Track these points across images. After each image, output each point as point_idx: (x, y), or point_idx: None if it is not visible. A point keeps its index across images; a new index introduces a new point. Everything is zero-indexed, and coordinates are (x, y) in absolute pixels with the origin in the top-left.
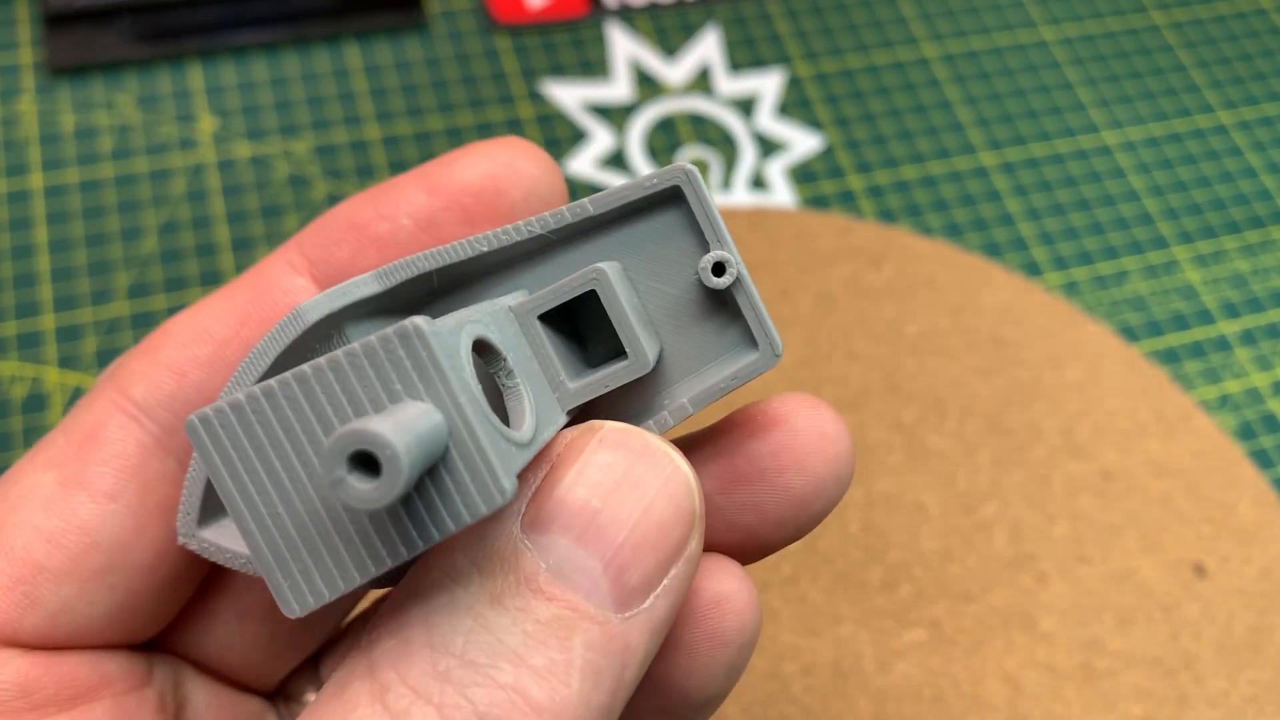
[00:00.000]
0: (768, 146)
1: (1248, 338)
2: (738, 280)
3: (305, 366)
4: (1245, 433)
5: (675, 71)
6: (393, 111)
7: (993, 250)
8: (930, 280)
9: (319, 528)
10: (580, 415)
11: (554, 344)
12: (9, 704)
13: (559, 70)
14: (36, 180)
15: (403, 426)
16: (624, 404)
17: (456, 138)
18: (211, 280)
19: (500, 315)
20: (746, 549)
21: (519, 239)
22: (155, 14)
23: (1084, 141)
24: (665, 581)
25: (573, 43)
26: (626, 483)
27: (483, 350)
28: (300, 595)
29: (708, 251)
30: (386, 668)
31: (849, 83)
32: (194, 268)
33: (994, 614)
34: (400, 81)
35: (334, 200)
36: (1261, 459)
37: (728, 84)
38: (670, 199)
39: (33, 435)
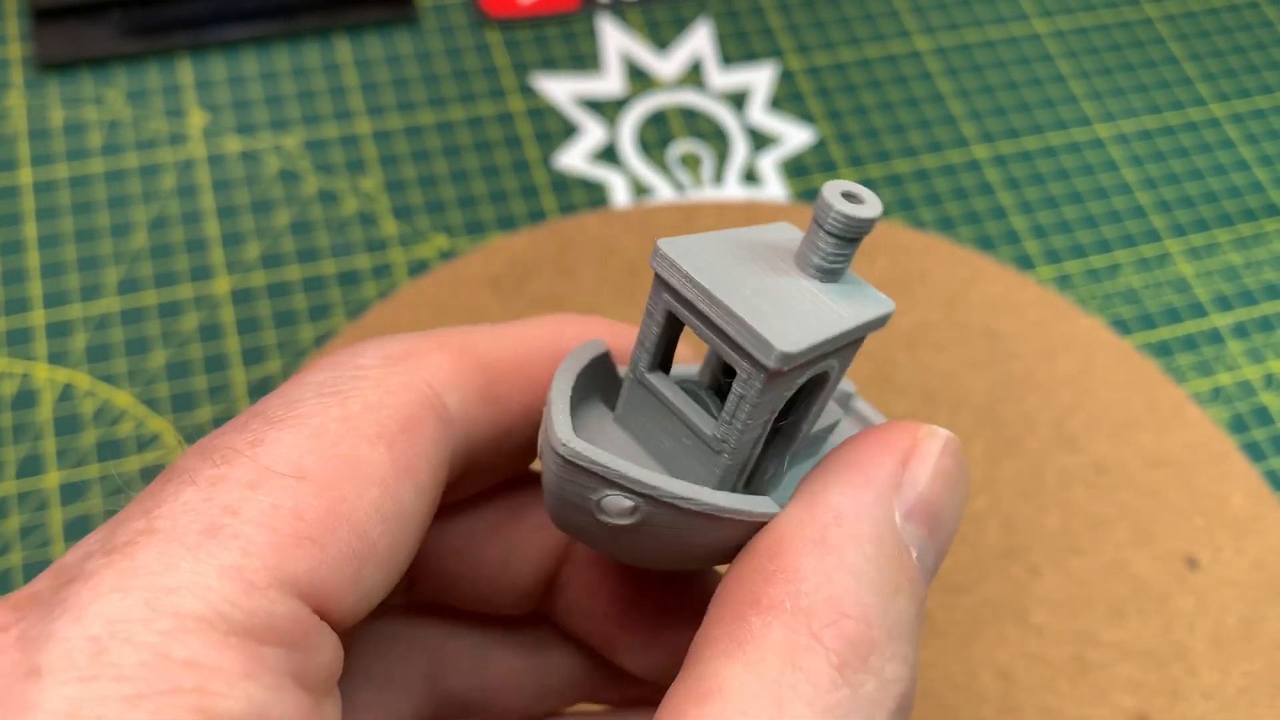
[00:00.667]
0: (760, 140)
1: (1240, 330)
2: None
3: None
4: (1237, 425)
5: (667, 65)
6: (384, 106)
7: (985, 243)
8: (923, 273)
9: (791, 305)
10: None
11: None
12: (322, 684)
13: (550, 64)
14: (25, 175)
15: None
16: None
17: (448, 132)
18: (202, 275)
19: None
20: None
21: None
22: (144, 8)
23: (1077, 134)
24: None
25: (564, 36)
26: (955, 483)
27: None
28: (788, 338)
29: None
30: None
31: (841, 76)
32: (184, 263)
33: (986, 606)
34: (391, 75)
35: (325, 195)
36: (1254, 451)
37: (720, 78)
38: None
39: (23, 431)
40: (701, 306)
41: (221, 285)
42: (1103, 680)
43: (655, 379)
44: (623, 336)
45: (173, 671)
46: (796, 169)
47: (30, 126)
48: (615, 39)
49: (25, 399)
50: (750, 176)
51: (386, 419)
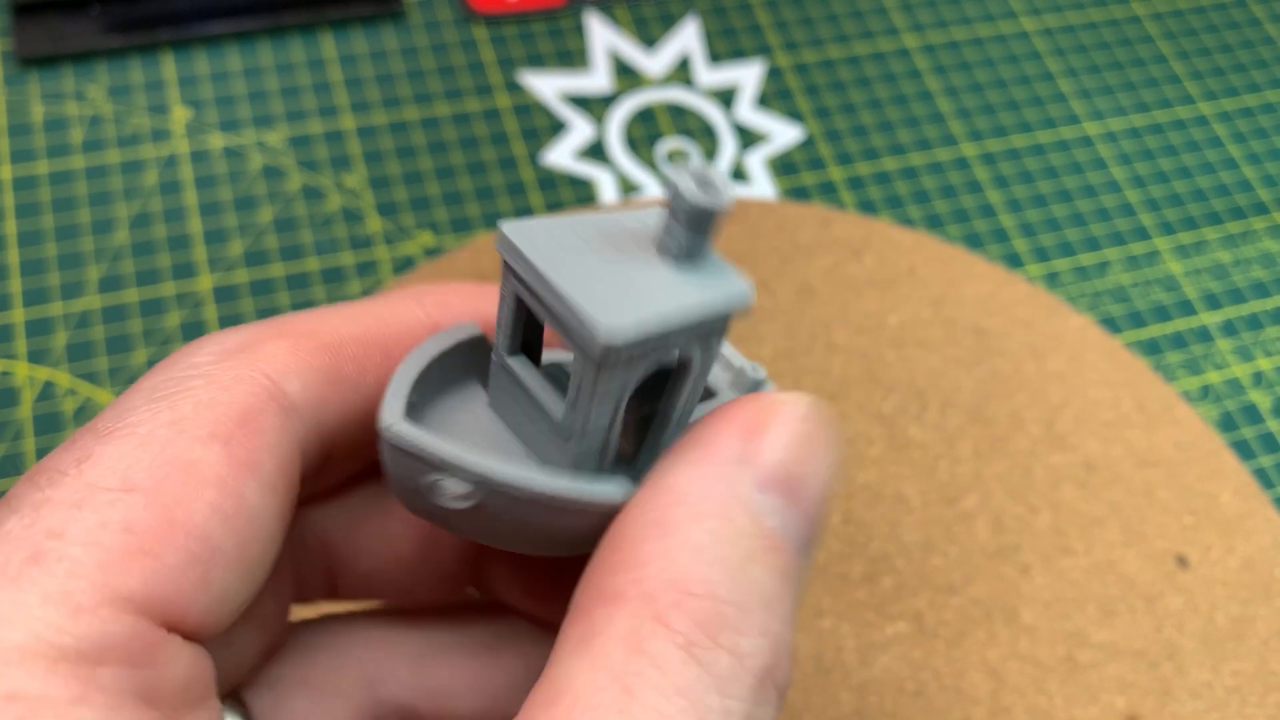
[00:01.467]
0: (748, 138)
1: (1229, 328)
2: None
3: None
4: (1226, 423)
5: (655, 62)
6: (369, 102)
7: (974, 241)
8: (911, 271)
9: (636, 290)
10: None
11: None
12: (179, 698)
13: (537, 61)
14: (5, 172)
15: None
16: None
17: (434, 128)
18: (185, 273)
19: None
20: None
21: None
22: (127, 3)
23: (1065, 132)
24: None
25: (551, 33)
26: (814, 448)
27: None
28: (620, 327)
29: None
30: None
31: (830, 73)
32: (166, 260)
33: (976, 606)
34: (376, 72)
35: (309, 192)
36: (1243, 449)
37: (708, 75)
38: None
39: (3, 430)
40: (539, 290)
41: (204, 283)
42: (1093, 680)
43: (514, 363)
44: (472, 302)
45: None
46: (785, 166)
47: (10, 122)
48: (603, 35)
49: (5, 397)
50: (738, 174)
51: (221, 416)
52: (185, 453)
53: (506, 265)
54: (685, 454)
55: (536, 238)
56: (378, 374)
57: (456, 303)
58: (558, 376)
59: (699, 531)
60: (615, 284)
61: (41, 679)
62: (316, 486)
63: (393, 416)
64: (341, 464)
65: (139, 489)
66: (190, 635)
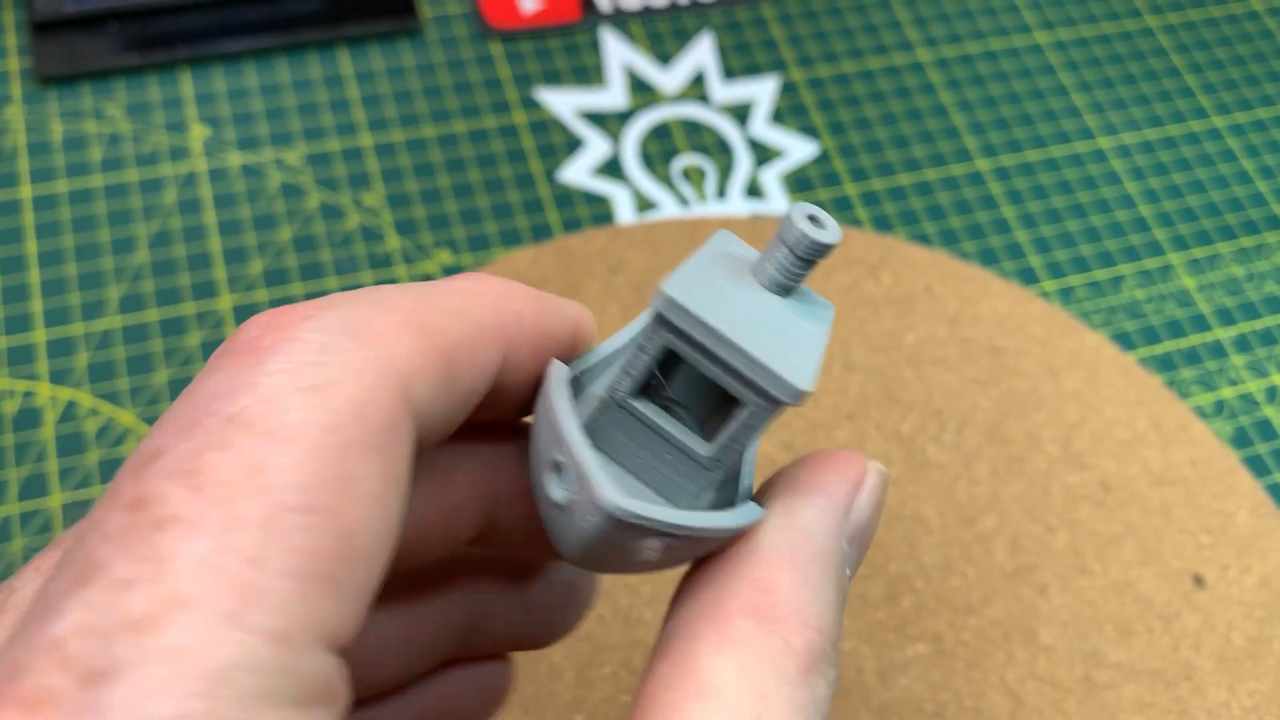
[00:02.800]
0: (763, 153)
1: (1243, 344)
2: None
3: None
4: (1241, 439)
5: (670, 78)
6: (386, 119)
7: (988, 257)
8: (928, 289)
9: (785, 330)
10: None
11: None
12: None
13: (553, 77)
14: (26, 191)
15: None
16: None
17: (452, 145)
18: (205, 292)
19: None
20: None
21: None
22: (144, 21)
23: (1079, 146)
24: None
25: (566, 49)
26: (879, 514)
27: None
28: (799, 375)
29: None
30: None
31: (844, 88)
32: (186, 279)
33: (994, 626)
34: (393, 88)
35: (328, 210)
36: (1257, 466)
37: (722, 91)
38: None
39: (26, 450)
40: (712, 347)
41: (225, 302)
42: (1111, 701)
43: (639, 404)
44: (551, 310)
45: None
46: (800, 182)
47: (30, 141)
48: (618, 51)
49: (28, 418)
50: (753, 190)
51: (372, 425)
52: (352, 468)
53: (663, 321)
54: (811, 497)
55: (698, 294)
56: (472, 384)
57: (530, 305)
58: (670, 410)
59: (819, 573)
60: (772, 330)
61: None
62: None
63: (616, 495)
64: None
65: (320, 510)
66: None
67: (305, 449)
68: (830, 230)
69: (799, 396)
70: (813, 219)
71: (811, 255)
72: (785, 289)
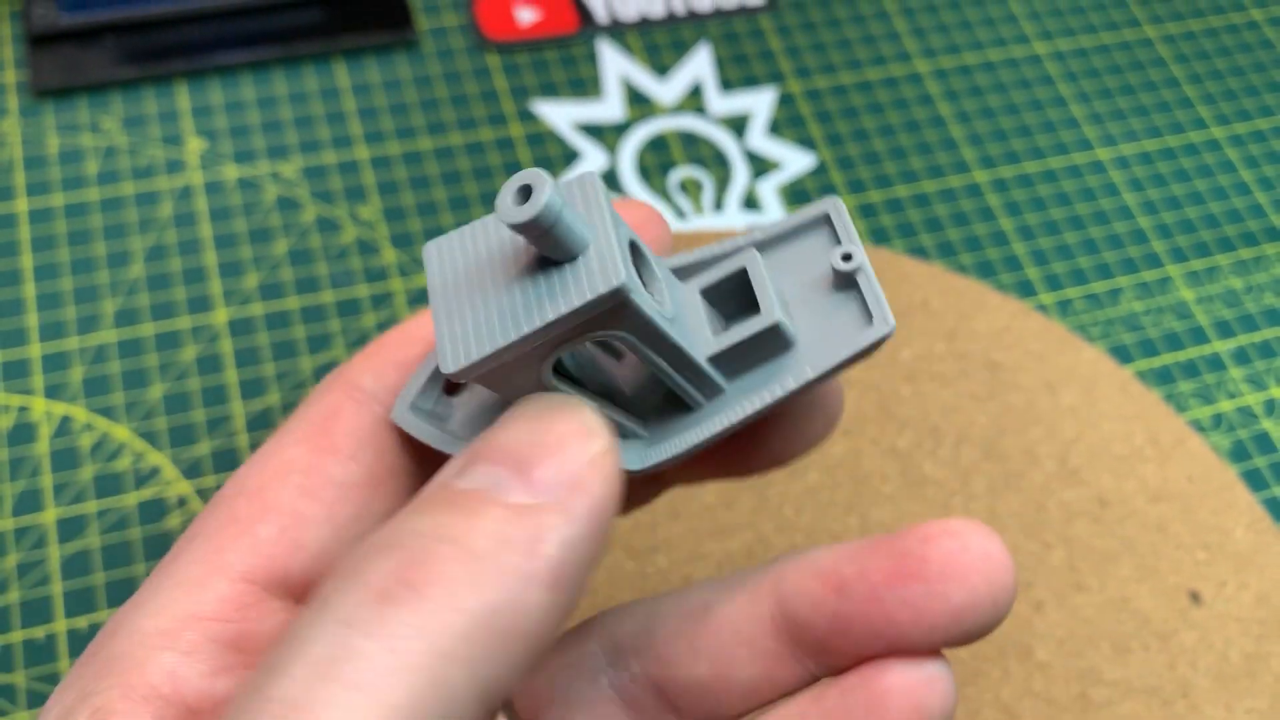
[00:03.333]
0: (760, 165)
1: (1241, 356)
2: (860, 267)
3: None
4: (1239, 453)
5: (667, 90)
6: (383, 132)
7: (986, 269)
8: (924, 304)
9: (486, 311)
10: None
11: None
12: (263, 646)
13: (550, 89)
14: (21, 204)
15: (560, 194)
16: (755, 370)
17: (448, 158)
18: (200, 306)
19: (665, 268)
20: (897, 645)
21: (714, 254)
22: (140, 33)
23: (1077, 158)
24: (573, 478)
25: (563, 60)
26: (530, 415)
27: (637, 255)
28: (457, 351)
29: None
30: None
31: (841, 99)
32: (182, 293)
33: (989, 644)
34: (389, 101)
35: (324, 223)
36: (1255, 479)
37: (720, 102)
38: (819, 223)
39: (20, 465)
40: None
41: (220, 316)
42: (1107, 718)
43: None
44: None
45: None
46: (797, 194)
47: (26, 154)
48: (615, 63)
49: (22, 433)
50: (750, 202)
51: (309, 420)
52: (281, 456)
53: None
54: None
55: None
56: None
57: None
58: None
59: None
60: (478, 315)
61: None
62: None
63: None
64: None
65: (244, 493)
66: (302, 590)
67: (256, 463)
68: (530, 203)
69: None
70: (524, 189)
71: (523, 234)
72: (545, 260)
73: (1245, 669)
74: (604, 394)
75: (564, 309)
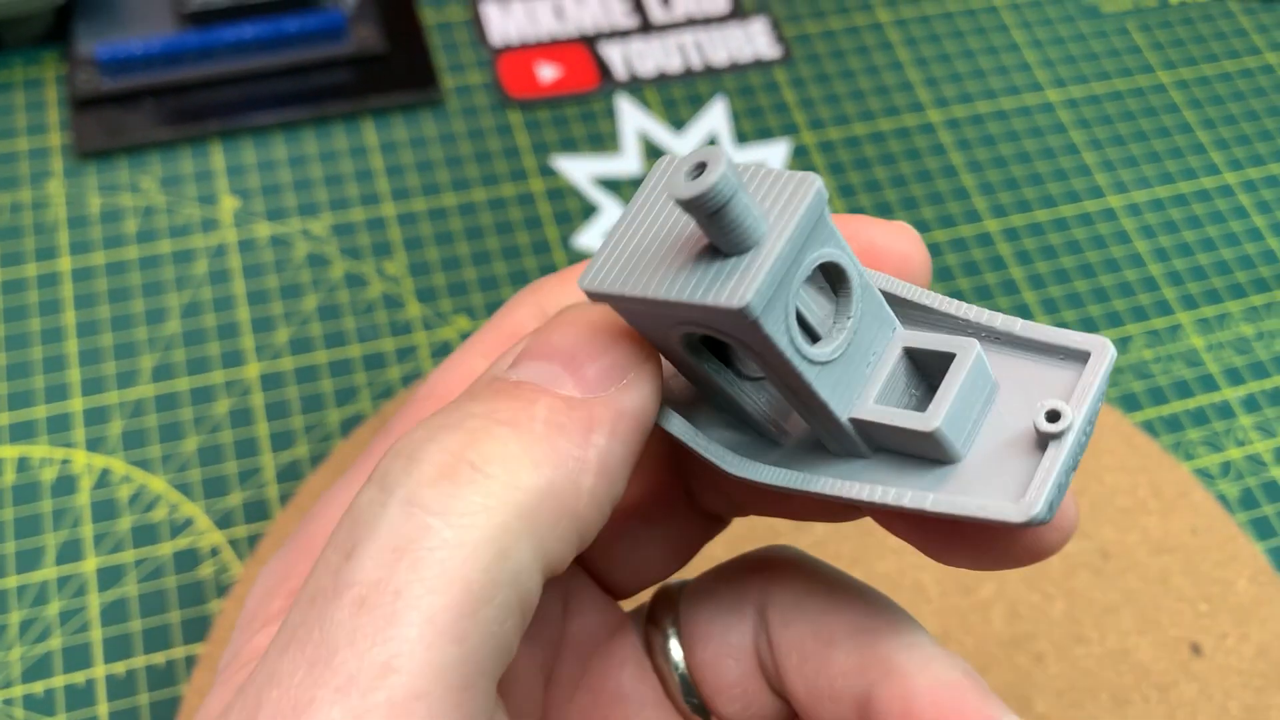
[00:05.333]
0: None
1: (1251, 404)
2: (1060, 434)
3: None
4: (1247, 501)
5: (684, 144)
6: (409, 188)
7: None
8: None
9: (643, 257)
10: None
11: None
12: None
13: (570, 144)
14: (65, 263)
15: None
16: (905, 457)
17: (471, 214)
18: (233, 361)
19: (880, 304)
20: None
21: (953, 315)
22: (178, 96)
23: (1088, 205)
24: (624, 379)
25: (583, 116)
26: (581, 320)
27: (833, 277)
28: (594, 275)
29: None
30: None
31: (854, 150)
32: (215, 348)
33: None
34: (415, 158)
35: (352, 279)
36: (1263, 527)
37: (735, 155)
38: (1072, 357)
39: (63, 516)
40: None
41: (252, 370)
42: None
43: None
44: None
45: None
46: None
47: (69, 214)
48: (633, 118)
49: (65, 485)
50: None
51: (492, 340)
52: (467, 364)
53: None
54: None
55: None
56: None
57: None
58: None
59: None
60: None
61: None
62: None
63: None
64: None
65: (432, 395)
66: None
67: None
68: (702, 179)
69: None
70: (697, 167)
71: (692, 212)
72: (719, 249)
73: None
74: (737, 391)
75: (687, 298)
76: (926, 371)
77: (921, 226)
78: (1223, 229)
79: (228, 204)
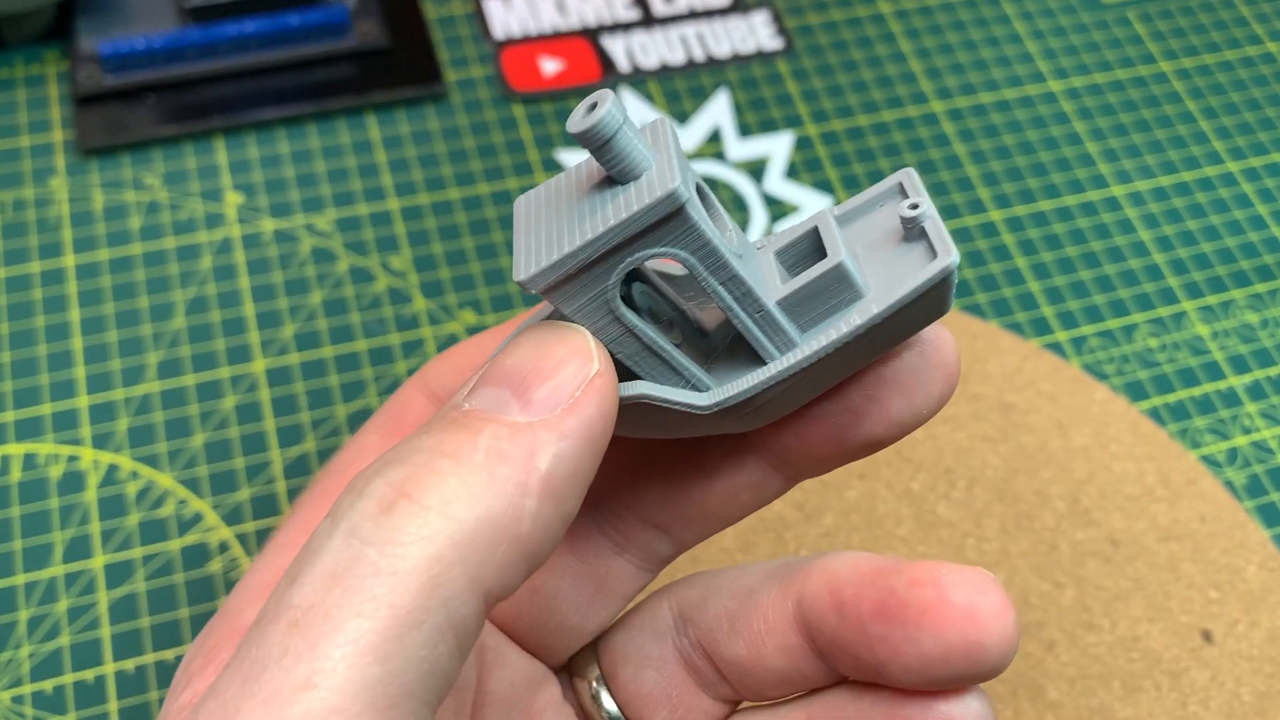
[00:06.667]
0: (778, 209)
1: (1257, 391)
2: (926, 213)
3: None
4: (1254, 487)
5: (687, 136)
6: (413, 183)
7: (1001, 307)
8: None
9: (558, 226)
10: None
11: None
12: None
13: (573, 138)
14: (69, 260)
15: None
16: (827, 320)
17: (476, 207)
18: (239, 357)
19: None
20: (879, 676)
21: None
22: (181, 92)
23: (1092, 194)
24: (572, 396)
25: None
26: (533, 341)
27: (703, 197)
28: (528, 262)
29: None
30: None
31: (858, 141)
32: (221, 344)
33: (1002, 683)
34: (419, 153)
35: (357, 273)
36: (1270, 513)
37: (738, 147)
38: (891, 193)
39: (70, 513)
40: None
41: (258, 365)
42: None
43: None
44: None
45: None
46: None
47: (73, 210)
48: (636, 111)
49: (72, 481)
50: None
51: (382, 420)
52: (363, 442)
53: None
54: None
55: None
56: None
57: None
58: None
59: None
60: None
61: None
62: None
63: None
64: None
65: (333, 473)
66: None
67: None
68: (596, 109)
69: (521, 283)
70: (590, 106)
71: (588, 144)
72: (610, 180)
73: (1256, 707)
74: (679, 337)
75: (622, 215)
76: (798, 263)
77: None
78: (1226, 217)
79: (232, 199)
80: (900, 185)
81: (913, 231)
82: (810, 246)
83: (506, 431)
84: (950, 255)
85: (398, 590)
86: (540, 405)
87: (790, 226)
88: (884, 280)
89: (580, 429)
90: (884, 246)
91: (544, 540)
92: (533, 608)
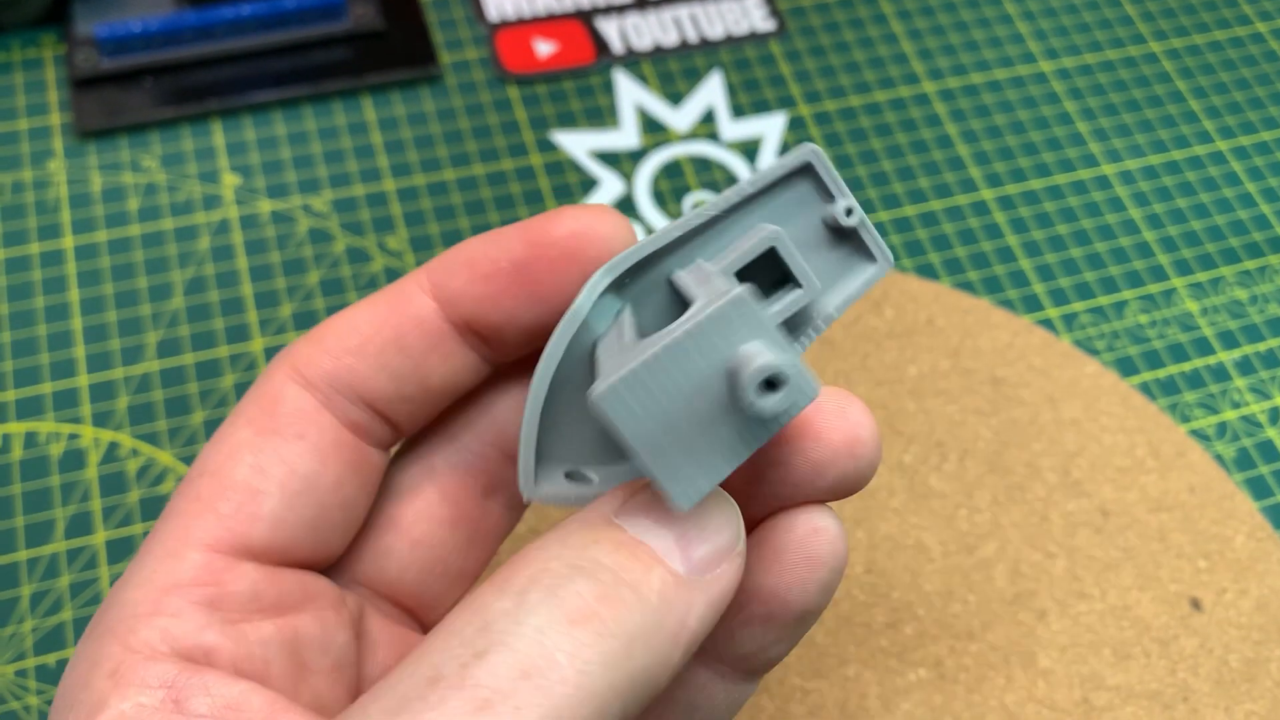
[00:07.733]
0: None
1: (1246, 366)
2: (862, 220)
3: (676, 332)
4: (1243, 461)
5: (680, 117)
6: (409, 164)
7: (993, 285)
8: (929, 322)
9: (695, 443)
10: None
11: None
12: (243, 605)
13: (568, 119)
14: (68, 241)
15: (780, 351)
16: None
17: (471, 188)
18: (238, 336)
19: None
20: (769, 505)
21: (702, 221)
22: (177, 74)
23: (1082, 173)
24: (719, 568)
25: (580, 91)
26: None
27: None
28: (687, 490)
29: (831, 203)
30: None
31: (850, 122)
32: (220, 323)
33: (994, 651)
34: (415, 134)
35: (354, 254)
36: (1259, 487)
37: (731, 128)
38: (801, 172)
39: (71, 490)
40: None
41: (256, 345)
42: None
43: None
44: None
45: None
46: None
47: (71, 193)
48: (630, 92)
49: (73, 459)
50: None
51: (253, 407)
52: (235, 438)
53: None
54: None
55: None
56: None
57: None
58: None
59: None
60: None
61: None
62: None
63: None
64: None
65: (205, 473)
66: (261, 558)
67: (213, 448)
68: (783, 394)
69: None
70: (770, 381)
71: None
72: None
73: (1245, 674)
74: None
75: (779, 425)
76: (756, 276)
77: (918, 196)
78: (1215, 195)
79: (229, 181)
80: (810, 167)
81: (845, 233)
82: (767, 263)
83: (673, 581)
84: (888, 257)
85: (578, 705)
86: (698, 565)
87: (740, 247)
88: (831, 285)
89: (719, 600)
90: (817, 245)
91: (666, 686)
92: (416, 560)
